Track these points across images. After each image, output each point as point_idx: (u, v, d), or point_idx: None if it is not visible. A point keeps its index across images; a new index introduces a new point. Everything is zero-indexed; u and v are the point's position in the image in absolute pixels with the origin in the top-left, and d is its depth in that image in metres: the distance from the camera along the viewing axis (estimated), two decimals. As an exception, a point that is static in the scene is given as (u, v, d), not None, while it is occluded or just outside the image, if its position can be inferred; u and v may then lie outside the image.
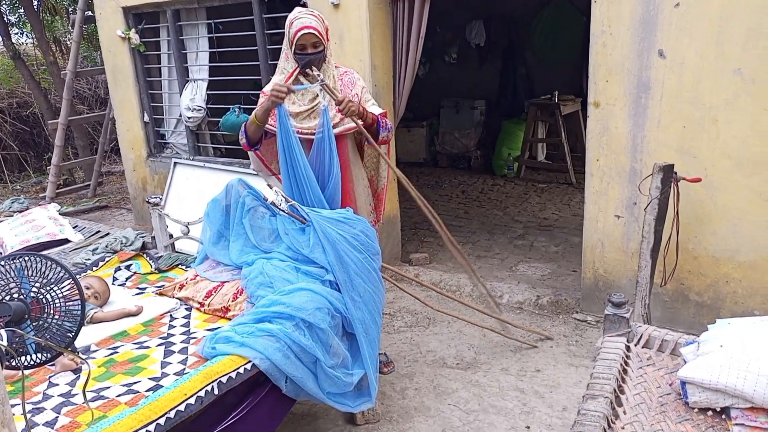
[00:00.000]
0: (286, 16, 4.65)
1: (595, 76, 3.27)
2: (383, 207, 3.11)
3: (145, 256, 3.18)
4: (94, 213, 6.59)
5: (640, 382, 1.85)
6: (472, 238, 5.14)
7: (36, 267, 1.67)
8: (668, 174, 2.89)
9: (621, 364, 1.92)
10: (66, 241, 3.49)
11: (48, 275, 1.69)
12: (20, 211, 6.61)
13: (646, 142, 3.19)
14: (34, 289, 1.66)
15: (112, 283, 2.93)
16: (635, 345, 2.03)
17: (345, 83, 2.79)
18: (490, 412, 2.78)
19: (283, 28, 4.94)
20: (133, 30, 5.28)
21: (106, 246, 3.24)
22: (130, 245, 3.31)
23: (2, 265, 1.62)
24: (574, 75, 7.10)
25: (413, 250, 4.84)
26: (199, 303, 2.57)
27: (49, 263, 1.68)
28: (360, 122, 2.67)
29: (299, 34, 2.58)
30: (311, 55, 2.62)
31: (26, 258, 1.68)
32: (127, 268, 3.08)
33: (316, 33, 2.59)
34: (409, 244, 4.95)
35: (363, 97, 2.82)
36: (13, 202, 6.77)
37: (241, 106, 5.05)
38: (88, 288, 2.52)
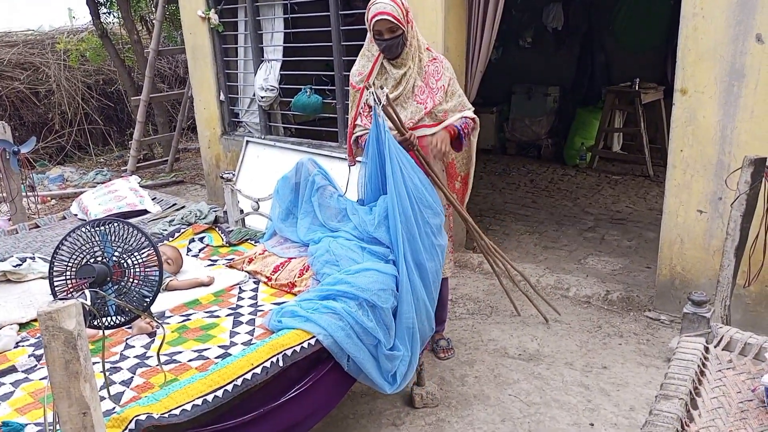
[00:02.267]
0: (361, -2, 4.72)
1: (683, 61, 3.08)
2: (468, 191, 3.18)
3: (217, 229, 3.29)
4: (170, 187, 6.88)
5: (718, 386, 1.75)
6: (539, 228, 5.02)
7: (119, 233, 1.75)
8: (760, 168, 2.69)
9: (698, 366, 1.81)
10: (145, 211, 3.65)
11: (130, 241, 1.77)
12: (103, 183, 7.03)
13: (737, 133, 2.99)
14: (116, 253, 1.75)
15: (186, 254, 3.05)
16: (715, 347, 1.92)
17: (430, 72, 2.74)
18: (553, 406, 2.72)
19: (357, 10, 4.96)
20: (212, 10, 5.42)
21: (182, 218, 3.36)
22: (203, 218, 3.43)
23: (88, 230, 1.71)
24: (657, 61, 6.75)
25: (478, 237, 4.77)
26: (267, 277, 2.63)
27: (131, 230, 1.76)
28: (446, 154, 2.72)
29: (374, 20, 2.58)
30: (388, 40, 2.60)
31: (110, 224, 1.76)
32: (201, 240, 3.19)
33: (390, 19, 2.55)
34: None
35: (449, 90, 2.76)
36: (96, 174, 7.19)
37: (313, 87, 5.11)
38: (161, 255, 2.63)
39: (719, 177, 3.08)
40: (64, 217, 3.84)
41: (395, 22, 2.55)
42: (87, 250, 1.72)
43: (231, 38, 5.65)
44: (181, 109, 7.47)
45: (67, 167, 7.98)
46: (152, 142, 8.01)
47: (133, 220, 3.60)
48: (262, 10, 5.23)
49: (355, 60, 4.85)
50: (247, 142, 5.56)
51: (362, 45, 4.71)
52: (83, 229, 1.73)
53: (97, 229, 1.73)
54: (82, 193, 6.47)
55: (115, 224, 1.77)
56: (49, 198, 6.46)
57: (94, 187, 6.79)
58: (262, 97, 5.33)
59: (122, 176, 4.36)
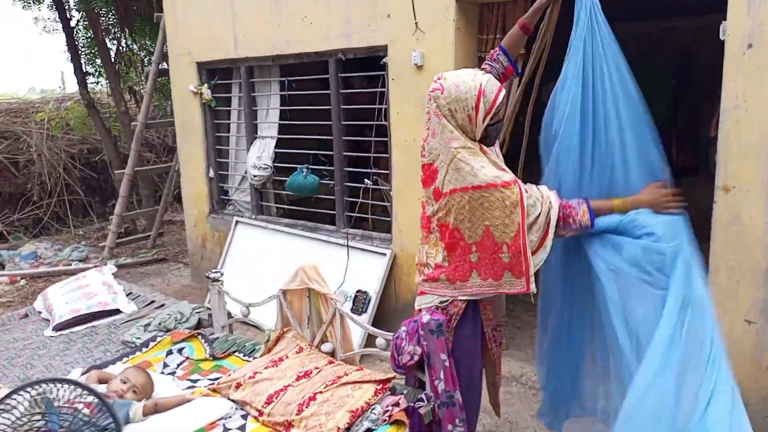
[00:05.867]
0: (363, 76, 4.49)
1: (725, 156, 2.80)
2: None
3: (199, 337, 2.85)
4: (151, 266, 6.43)
5: None
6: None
7: (67, 396, 1.34)
8: (829, 282, 2.36)
9: None
10: (117, 311, 3.22)
11: (80, 408, 1.35)
12: (81, 260, 6.57)
13: (790, 237, 2.67)
14: (65, 423, 1.32)
15: (162, 371, 2.60)
16: None
17: None
18: None
19: (357, 88, 4.72)
20: (205, 85, 5.17)
21: (159, 324, 2.93)
22: (184, 322, 3.01)
23: (29, 396, 1.29)
24: (662, 144, 6.57)
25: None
26: (258, 410, 2.18)
27: (82, 392, 1.35)
28: None
29: (500, 97, 2.02)
30: (502, 121, 2.18)
31: (56, 386, 1.35)
32: (180, 351, 2.74)
33: None
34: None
35: None
36: (73, 251, 6.73)
37: (309, 167, 4.80)
38: (124, 382, 2.19)
39: (771, 284, 2.74)
40: (27, 315, 3.38)
41: None
42: (26, 423, 1.30)
43: (223, 113, 5.39)
44: (167, 183, 7.13)
45: (44, 240, 7.53)
46: (135, 216, 7.61)
47: (103, 322, 3.17)
48: (257, 86, 4.99)
49: (353, 139, 4.60)
50: (237, 222, 5.20)
51: (360, 123, 4.46)
52: (21, 396, 1.31)
53: (40, 395, 1.32)
54: (55, 273, 6.03)
55: (63, 386, 1.36)
56: (18, 278, 5.97)
57: (69, 265, 6.36)
58: (254, 176, 5.01)
59: (97, 266, 3.92)
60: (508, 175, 2.04)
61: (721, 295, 2.89)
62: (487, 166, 2.02)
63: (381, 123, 4.15)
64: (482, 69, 2.27)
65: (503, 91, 2.04)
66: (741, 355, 2.87)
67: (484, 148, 2.08)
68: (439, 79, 2.07)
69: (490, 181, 1.99)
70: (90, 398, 1.36)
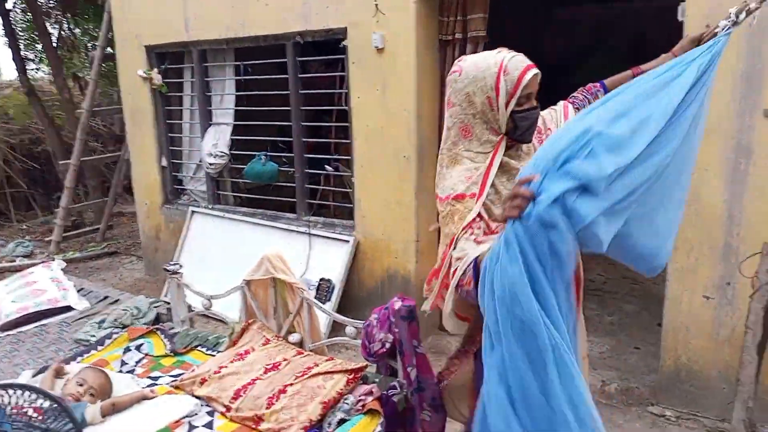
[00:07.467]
0: (321, 60, 4.39)
1: (683, 136, 2.85)
2: None
3: (158, 332, 2.72)
4: (102, 260, 6.18)
5: None
6: (514, 303, 4.65)
7: (18, 401, 1.23)
8: (783, 257, 2.44)
9: None
10: (69, 308, 3.05)
11: (33, 414, 1.24)
12: (26, 256, 6.24)
13: (746, 214, 2.75)
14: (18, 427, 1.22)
15: (120, 369, 2.47)
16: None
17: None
18: None
19: (314, 72, 4.61)
20: (155, 70, 4.96)
21: (115, 320, 2.79)
22: (142, 317, 2.87)
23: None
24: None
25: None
26: (225, 406, 2.10)
27: (34, 396, 1.24)
28: None
29: (527, 77, 1.61)
30: (536, 109, 1.68)
31: (7, 391, 1.24)
32: (138, 348, 2.61)
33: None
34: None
35: None
36: (17, 246, 6.40)
37: (268, 154, 4.68)
38: (81, 384, 2.07)
39: (727, 260, 2.82)
40: (-32, 315, 3.16)
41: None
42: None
43: (176, 99, 5.18)
44: (116, 173, 6.84)
45: (-17, 236, 7.12)
46: (82, 209, 7.29)
47: (54, 320, 3.00)
48: (211, 71, 4.82)
49: (313, 125, 4.50)
50: (193, 212, 5.04)
51: (319, 108, 4.37)
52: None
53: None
54: (-3, 270, 5.70)
55: (13, 391, 1.25)
56: (-43, 276, 5.63)
57: (13, 261, 6.04)
58: (210, 164, 4.85)
59: (44, 262, 3.71)
60: (457, 188, 1.65)
61: (680, 272, 2.96)
62: (455, 176, 1.67)
63: (341, 108, 4.07)
64: (573, 95, 1.98)
65: (533, 71, 1.62)
66: (700, 330, 2.96)
67: (513, 151, 1.70)
68: (459, 61, 1.71)
69: (445, 193, 1.67)
70: (41, 402, 1.25)
